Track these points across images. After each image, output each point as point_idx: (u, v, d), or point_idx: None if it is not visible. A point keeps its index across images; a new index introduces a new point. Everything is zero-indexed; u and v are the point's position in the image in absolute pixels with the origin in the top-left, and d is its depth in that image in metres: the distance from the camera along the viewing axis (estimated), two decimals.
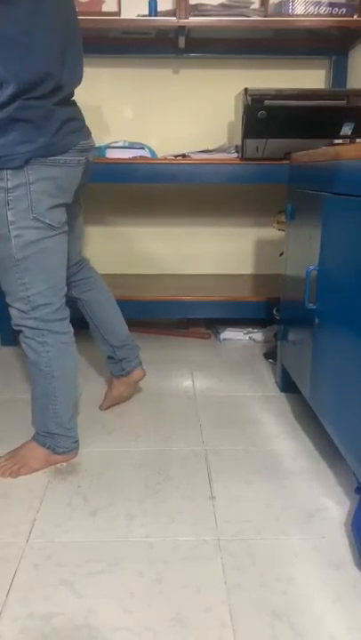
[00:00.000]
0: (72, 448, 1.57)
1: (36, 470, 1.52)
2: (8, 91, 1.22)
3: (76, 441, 1.58)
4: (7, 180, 1.26)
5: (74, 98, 1.45)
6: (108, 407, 1.89)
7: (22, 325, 1.42)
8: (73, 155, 1.35)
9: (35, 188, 1.29)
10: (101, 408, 1.89)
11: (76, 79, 1.40)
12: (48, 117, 1.28)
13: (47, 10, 1.24)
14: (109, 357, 1.86)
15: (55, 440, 1.53)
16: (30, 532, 1.27)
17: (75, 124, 1.37)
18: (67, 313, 1.48)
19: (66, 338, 1.47)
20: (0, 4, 1.17)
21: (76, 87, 1.42)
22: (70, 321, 1.52)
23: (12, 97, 1.23)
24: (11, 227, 1.30)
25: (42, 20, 1.24)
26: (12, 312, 1.42)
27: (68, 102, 1.38)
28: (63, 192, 1.37)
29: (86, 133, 1.44)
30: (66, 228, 1.43)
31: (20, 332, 1.44)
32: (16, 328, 1.44)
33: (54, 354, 1.44)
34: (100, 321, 1.80)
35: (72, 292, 1.77)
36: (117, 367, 1.87)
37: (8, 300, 1.41)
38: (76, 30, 1.39)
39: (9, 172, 1.26)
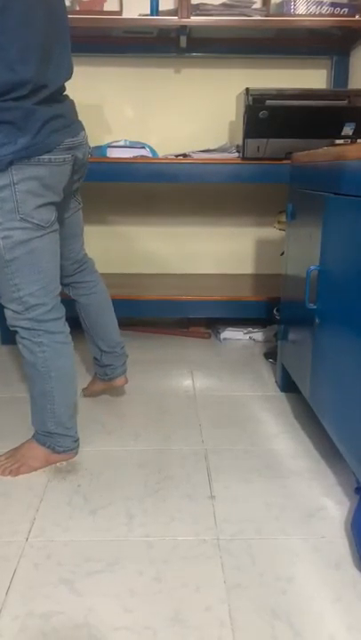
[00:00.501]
0: (72, 447, 1.57)
1: (36, 469, 1.52)
2: None
3: (77, 440, 1.58)
4: None
5: (66, 93, 1.42)
6: (88, 397, 1.96)
7: (17, 326, 1.42)
8: (58, 153, 1.33)
9: (19, 189, 1.28)
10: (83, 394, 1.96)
11: (64, 75, 1.37)
12: (28, 117, 1.25)
13: (20, 6, 1.19)
14: (95, 359, 1.88)
15: (55, 439, 1.53)
16: (30, 531, 1.27)
17: (60, 122, 1.33)
18: (62, 312, 1.47)
19: (61, 337, 1.46)
20: None
21: (64, 82, 1.39)
22: (68, 320, 1.51)
23: None
24: None
25: (14, 17, 1.19)
26: (7, 313, 1.42)
27: (54, 99, 1.34)
28: (50, 191, 1.35)
29: (74, 130, 1.40)
30: (56, 227, 1.42)
31: (16, 332, 1.44)
32: (11, 329, 1.44)
33: (50, 354, 1.43)
34: (93, 325, 1.81)
35: (70, 294, 1.76)
36: (101, 371, 1.89)
37: (2, 301, 1.41)
38: (62, 24, 1.34)
39: None
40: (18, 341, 1.45)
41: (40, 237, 1.35)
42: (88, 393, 1.97)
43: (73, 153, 1.39)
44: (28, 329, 1.41)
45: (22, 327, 1.41)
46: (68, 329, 1.49)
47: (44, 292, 1.40)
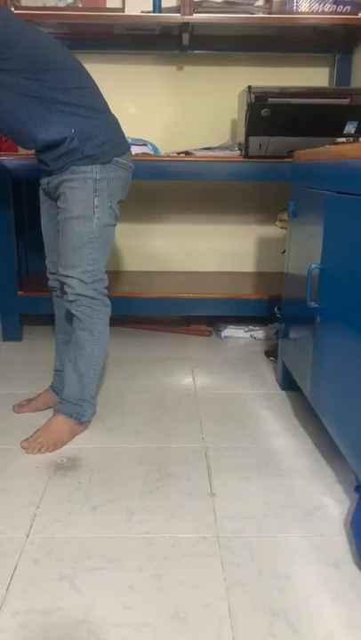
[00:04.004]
0: (90, 419, 1.71)
1: (66, 443, 1.62)
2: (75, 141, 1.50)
3: (95, 412, 1.73)
4: (96, 172, 1.53)
5: None
6: (30, 411, 1.82)
7: (82, 294, 1.59)
8: (129, 158, 1.63)
9: (112, 183, 1.57)
10: (17, 410, 1.83)
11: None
12: (110, 125, 1.59)
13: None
14: (62, 372, 1.75)
15: (83, 408, 1.66)
16: (30, 528, 1.27)
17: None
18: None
19: (109, 310, 1.67)
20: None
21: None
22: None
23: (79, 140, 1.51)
24: (95, 209, 1.55)
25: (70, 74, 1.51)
26: (74, 282, 1.58)
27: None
28: (124, 191, 1.64)
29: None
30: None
31: (76, 300, 1.60)
32: (73, 297, 1.60)
33: (104, 322, 1.65)
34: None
35: (57, 298, 1.78)
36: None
37: (71, 273, 1.58)
38: (81, 68, 1.59)
39: (98, 166, 1.53)
40: (76, 309, 1.61)
41: (114, 226, 1.64)
42: (33, 406, 1.83)
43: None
44: (92, 297, 1.61)
45: (87, 296, 1.60)
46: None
47: (104, 270, 1.64)
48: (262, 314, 2.47)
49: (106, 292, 1.65)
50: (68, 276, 1.58)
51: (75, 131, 1.49)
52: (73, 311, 1.61)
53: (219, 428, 1.75)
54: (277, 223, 2.39)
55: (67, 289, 1.60)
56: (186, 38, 2.46)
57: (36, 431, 1.64)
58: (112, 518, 1.31)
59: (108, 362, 2.23)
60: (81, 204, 1.54)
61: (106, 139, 1.54)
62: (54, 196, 1.60)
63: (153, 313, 2.63)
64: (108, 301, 1.66)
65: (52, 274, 1.74)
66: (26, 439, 1.62)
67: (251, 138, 2.20)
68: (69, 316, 1.67)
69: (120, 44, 2.59)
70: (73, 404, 1.66)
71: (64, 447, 1.61)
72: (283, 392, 2.02)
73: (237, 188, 2.80)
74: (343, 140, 2.18)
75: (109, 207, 1.58)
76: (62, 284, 1.62)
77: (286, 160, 2.11)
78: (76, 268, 1.57)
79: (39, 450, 1.58)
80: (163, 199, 2.85)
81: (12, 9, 2.25)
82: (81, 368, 1.65)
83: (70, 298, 1.60)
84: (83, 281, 1.58)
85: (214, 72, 2.68)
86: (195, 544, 1.22)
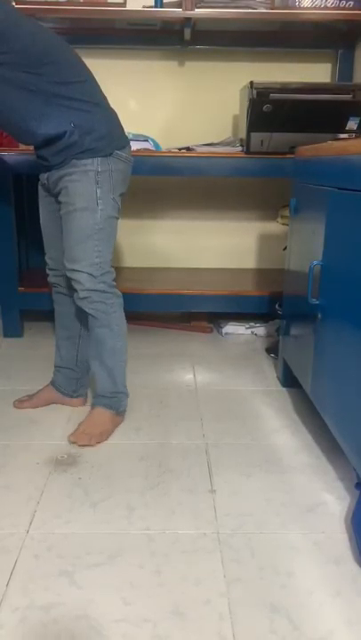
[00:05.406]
0: (125, 407, 1.72)
1: (110, 433, 1.66)
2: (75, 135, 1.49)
3: (128, 396, 1.73)
4: (97, 165, 1.52)
5: None
6: (30, 407, 1.83)
7: (93, 290, 1.57)
8: (129, 152, 1.63)
9: (114, 176, 1.56)
10: (18, 406, 1.83)
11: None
12: (109, 119, 1.59)
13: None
14: (63, 368, 1.81)
15: (119, 399, 1.69)
16: (31, 523, 1.27)
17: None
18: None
19: (122, 300, 1.66)
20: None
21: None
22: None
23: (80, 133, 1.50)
24: (99, 201, 1.54)
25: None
26: (82, 277, 1.56)
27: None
28: (125, 184, 1.64)
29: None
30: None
31: (88, 297, 1.58)
32: (83, 294, 1.58)
33: (119, 314, 1.64)
34: (82, 332, 1.76)
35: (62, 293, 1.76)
36: (69, 383, 1.82)
37: (78, 266, 1.56)
38: (80, 62, 1.58)
39: (99, 159, 1.52)
40: (89, 307, 1.59)
41: (117, 219, 1.62)
42: (30, 404, 1.83)
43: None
44: (103, 292, 1.59)
45: (98, 290, 1.58)
46: None
47: (110, 263, 1.63)
48: (263, 311, 2.46)
49: (114, 283, 1.63)
50: (75, 271, 1.56)
51: (74, 125, 1.48)
52: (86, 309, 1.59)
53: (219, 425, 1.75)
54: (279, 220, 2.38)
55: (75, 285, 1.57)
56: (188, 33, 2.45)
57: (80, 424, 1.65)
58: (112, 514, 1.31)
59: None
60: (83, 196, 1.53)
61: (106, 132, 1.53)
62: (55, 192, 1.59)
63: (154, 309, 2.63)
64: (118, 292, 1.64)
65: (51, 270, 1.74)
66: (72, 433, 1.62)
67: (252, 134, 2.20)
68: (70, 313, 1.67)
69: (121, 39, 2.58)
70: (108, 397, 1.67)
71: (64, 443, 1.61)
72: (283, 389, 2.01)
73: (239, 184, 2.79)
74: (345, 135, 2.18)
75: (112, 199, 1.57)
76: (69, 280, 1.59)
77: (288, 156, 2.09)
78: (82, 261, 1.55)
79: (89, 440, 1.60)
80: (164, 195, 2.84)
81: (14, 3, 2.24)
82: (108, 363, 1.65)
83: (81, 295, 1.57)
84: (91, 274, 1.56)
85: (216, 68, 2.67)
86: (195, 541, 1.22)
